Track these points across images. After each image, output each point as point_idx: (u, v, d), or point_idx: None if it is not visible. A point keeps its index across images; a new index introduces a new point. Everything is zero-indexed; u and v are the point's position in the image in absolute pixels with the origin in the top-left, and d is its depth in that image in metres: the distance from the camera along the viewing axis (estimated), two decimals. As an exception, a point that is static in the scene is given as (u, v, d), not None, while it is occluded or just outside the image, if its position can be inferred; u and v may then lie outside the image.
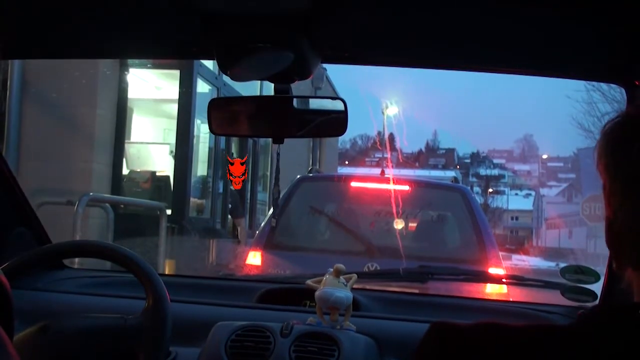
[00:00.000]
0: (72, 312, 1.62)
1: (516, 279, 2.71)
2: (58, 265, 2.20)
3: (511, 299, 2.87)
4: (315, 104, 1.59)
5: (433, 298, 2.23)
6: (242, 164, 7.25)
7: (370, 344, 1.65)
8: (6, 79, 7.05)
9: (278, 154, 1.58)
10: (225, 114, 1.57)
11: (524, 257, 29.65)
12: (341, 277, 1.67)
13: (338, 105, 1.50)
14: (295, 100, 1.50)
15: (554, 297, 2.15)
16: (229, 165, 7.88)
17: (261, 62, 1.30)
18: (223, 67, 1.33)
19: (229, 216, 10.16)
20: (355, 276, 1.70)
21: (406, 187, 4.61)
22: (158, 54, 1.77)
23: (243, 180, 10.29)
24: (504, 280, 2.96)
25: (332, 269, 1.68)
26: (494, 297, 2.90)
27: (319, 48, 1.36)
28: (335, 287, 1.64)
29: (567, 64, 1.53)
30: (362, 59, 1.54)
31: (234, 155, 10.15)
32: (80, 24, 1.42)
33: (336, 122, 1.49)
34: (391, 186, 4.53)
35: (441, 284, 2.60)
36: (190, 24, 1.29)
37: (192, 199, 9.03)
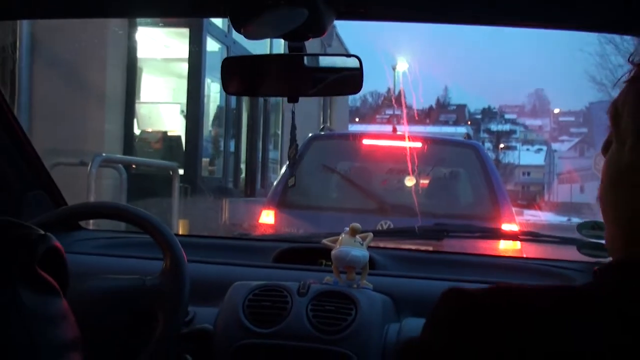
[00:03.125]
0: (90, 273, 1.63)
1: (532, 235, 2.71)
2: (74, 227, 2.21)
3: (525, 255, 2.87)
4: (329, 61, 1.56)
5: (448, 255, 2.23)
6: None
7: (387, 302, 1.65)
8: (16, 40, 7.00)
9: (293, 112, 1.56)
10: (239, 73, 1.55)
11: (536, 212, 29.61)
12: (357, 236, 1.67)
13: (353, 63, 1.47)
14: (309, 58, 1.47)
15: (569, 253, 2.15)
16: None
17: (275, 19, 1.28)
18: (236, 25, 1.31)
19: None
20: (371, 235, 1.69)
21: (418, 144, 4.58)
22: (169, 12, 1.74)
23: (254, 139, 10.25)
24: (519, 236, 2.95)
25: (347, 228, 1.68)
26: (509, 254, 2.90)
27: (333, 4, 1.33)
28: (351, 246, 1.64)
29: (582, 15, 1.48)
30: (376, 15, 1.51)
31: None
32: None
33: (351, 79, 1.47)
34: (404, 143, 4.50)
35: (456, 241, 2.60)
36: None
37: (203, 159, 9.03)
